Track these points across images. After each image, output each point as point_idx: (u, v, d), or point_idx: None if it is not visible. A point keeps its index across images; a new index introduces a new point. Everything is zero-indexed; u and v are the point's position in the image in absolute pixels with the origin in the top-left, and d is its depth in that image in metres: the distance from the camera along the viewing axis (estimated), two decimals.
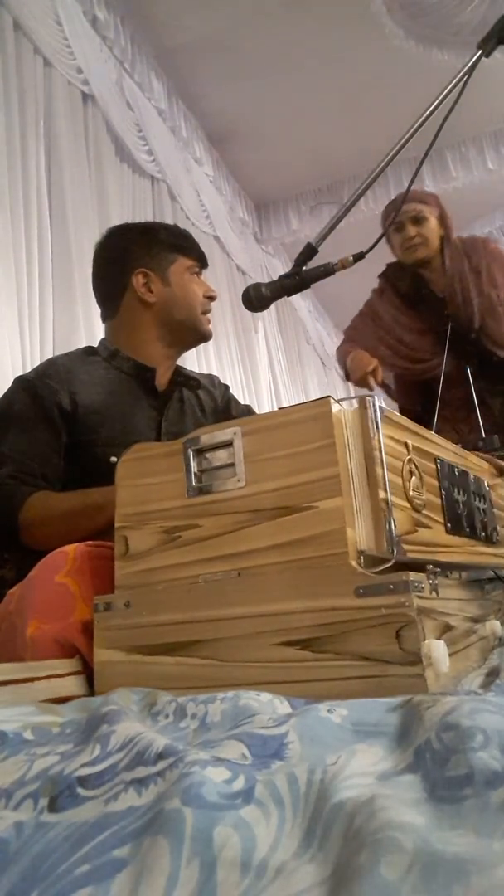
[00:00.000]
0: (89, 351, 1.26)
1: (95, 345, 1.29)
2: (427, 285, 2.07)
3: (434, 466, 0.79)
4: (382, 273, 2.15)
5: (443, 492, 0.79)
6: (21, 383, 1.16)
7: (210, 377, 1.41)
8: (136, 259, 1.24)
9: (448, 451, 0.86)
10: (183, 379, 1.29)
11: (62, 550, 0.77)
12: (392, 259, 2.11)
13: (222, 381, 1.43)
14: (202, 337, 1.28)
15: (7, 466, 1.07)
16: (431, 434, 0.82)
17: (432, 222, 2.01)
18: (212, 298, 1.28)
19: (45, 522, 1.01)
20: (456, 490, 0.83)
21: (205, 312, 1.27)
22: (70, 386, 1.14)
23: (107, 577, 0.73)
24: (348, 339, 2.20)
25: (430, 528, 0.72)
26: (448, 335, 1.94)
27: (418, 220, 2.00)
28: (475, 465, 0.97)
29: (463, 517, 0.82)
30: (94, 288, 1.31)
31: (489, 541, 0.90)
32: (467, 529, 0.83)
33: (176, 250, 1.25)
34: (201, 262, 1.29)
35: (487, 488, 0.97)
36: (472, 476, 0.90)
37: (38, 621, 0.72)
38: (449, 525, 0.78)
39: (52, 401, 1.11)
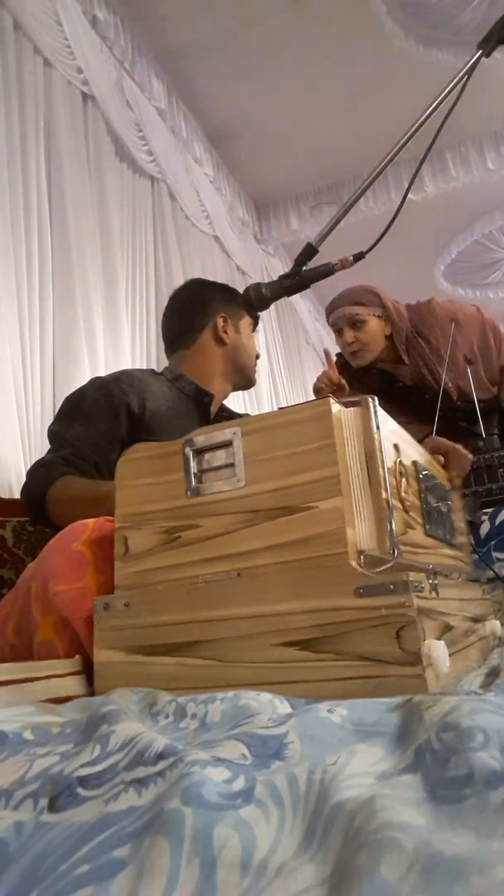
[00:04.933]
0: (155, 371, 1.44)
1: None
2: (396, 379, 1.94)
3: (413, 468, 0.79)
4: (346, 371, 1.93)
5: (422, 494, 0.79)
6: (95, 381, 1.31)
7: (247, 415, 1.54)
8: (219, 305, 1.46)
9: (421, 455, 0.87)
10: (227, 413, 1.50)
11: (83, 522, 0.82)
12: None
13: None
14: (250, 383, 1.52)
15: (65, 449, 1.19)
16: (409, 436, 0.82)
17: (372, 323, 1.88)
18: (257, 357, 1.53)
19: (60, 501, 1.11)
20: (430, 493, 0.83)
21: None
22: (141, 392, 1.28)
23: None
24: None
25: (414, 528, 0.73)
26: (436, 413, 1.72)
27: (355, 324, 1.88)
28: (438, 469, 0.99)
29: (435, 519, 0.83)
30: (168, 323, 1.51)
31: (450, 543, 0.91)
32: (439, 531, 0.83)
33: (245, 309, 1.49)
34: (256, 324, 1.56)
35: (449, 492, 0.98)
36: (438, 480, 0.91)
37: (52, 583, 0.76)
38: (427, 527, 0.78)
39: (122, 400, 1.24)
